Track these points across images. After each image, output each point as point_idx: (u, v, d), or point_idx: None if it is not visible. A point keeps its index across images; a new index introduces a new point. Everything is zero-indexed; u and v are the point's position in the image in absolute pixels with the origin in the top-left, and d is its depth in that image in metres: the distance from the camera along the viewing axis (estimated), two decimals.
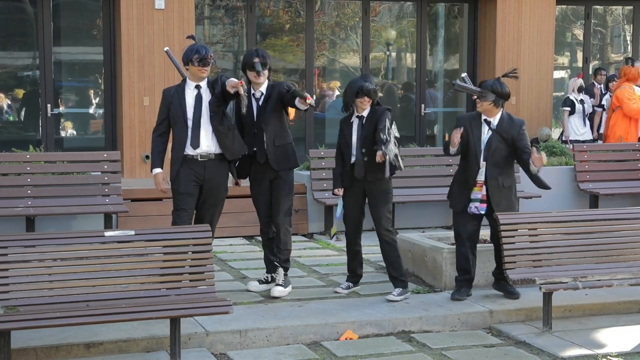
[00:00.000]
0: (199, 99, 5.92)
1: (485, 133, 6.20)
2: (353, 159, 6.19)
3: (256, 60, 6.07)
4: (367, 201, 6.30)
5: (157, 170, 6.03)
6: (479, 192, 6.17)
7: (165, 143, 6.03)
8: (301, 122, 11.20)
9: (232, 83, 5.69)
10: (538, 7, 11.86)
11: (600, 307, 6.23)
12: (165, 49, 6.65)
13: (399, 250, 6.32)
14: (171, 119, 5.97)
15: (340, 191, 6.31)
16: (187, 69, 6.00)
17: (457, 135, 6.07)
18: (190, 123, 5.90)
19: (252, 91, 6.22)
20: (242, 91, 5.68)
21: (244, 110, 5.83)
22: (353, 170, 6.19)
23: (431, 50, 12.29)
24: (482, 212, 6.15)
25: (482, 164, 6.17)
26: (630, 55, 12.91)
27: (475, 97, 6.24)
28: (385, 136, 5.92)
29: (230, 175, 6.26)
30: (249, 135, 6.21)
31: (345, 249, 6.58)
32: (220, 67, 11.32)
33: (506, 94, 6.21)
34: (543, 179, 6.27)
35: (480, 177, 6.17)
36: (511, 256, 5.88)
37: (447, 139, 6.47)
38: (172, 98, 5.96)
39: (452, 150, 6.17)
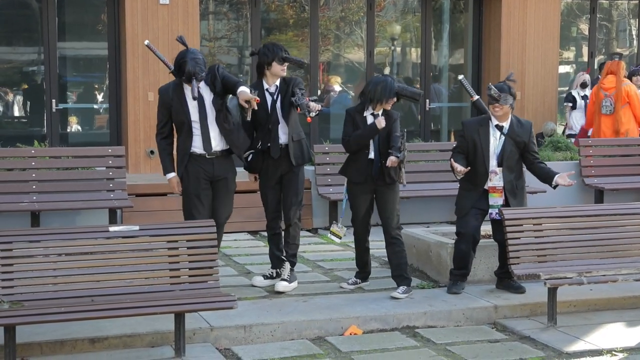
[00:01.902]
0: (200, 99, 5.75)
1: (498, 138, 6.15)
2: (370, 156, 6.11)
3: (286, 54, 6.10)
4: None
5: (171, 175, 5.95)
6: (499, 198, 6.16)
7: (171, 145, 5.95)
8: (305, 117, 11.15)
9: (246, 97, 5.50)
10: (543, 1, 11.80)
11: (605, 302, 6.21)
12: (146, 42, 6.50)
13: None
14: (175, 122, 5.85)
15: (381, 120, 5.94)
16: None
17: (463, 171, 6.03)
18: (198, 126, 5.78)
19: (266, 86, 6.17)
20: (255, 106, 5.52)
21: (248, 118, 5.65)
22: (368, 166, 6.10)
23: (436, 45, 12.23)
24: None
25: (499, 169, 6.14)
26: (634, 51, 12.88)
27: (494, 100, 6.09)
28: (401, 145, 5.93)
29: (246, 171, 6.31)
30: (263, 131, 6.17)
31: (349, 243, 6.56)
32: (225, 62, 11.31)
33: (515, 96, 6.24)
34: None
35: (500, 182, 6.15)
36: (516, 251, 5.86)
37: (453, 140, 6.46)
38: (172, 101, 5.81)
39: (459, 177, 6.14)
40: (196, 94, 5.57)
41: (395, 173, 6.08)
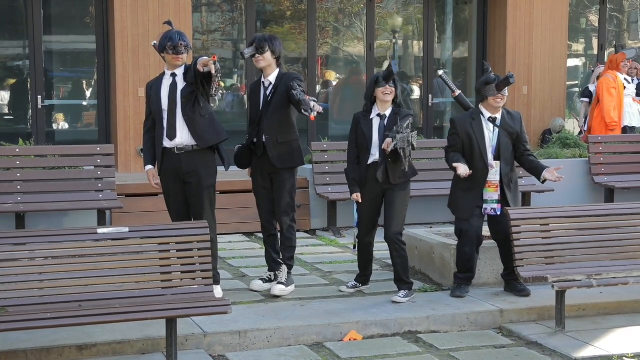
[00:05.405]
0: (173, 87, 5.76)
1: (492, 131, 6.10)
2: (372, 159, 6.00)
3: (247, 49, 6.01)
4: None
5: (148, 167, 5.99)
6: (495, 193, 6.09)
7: (154, 138, 5.92)
8: (304, 115, 11.00)
9: (203, 61, 5.47)
10: None
11: (616, 305, 6.16)
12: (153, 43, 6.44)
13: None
14: (152, 112, 5.88)
15: (359, 196, 6.05)
16: (163, 58, 5.84)
17: (468, 174, 5.92)
18: (165, 114, 5.77)
19: (263, 79, 6.12)
20: (213, 69, 5.42)
21: (213, 91, 5.57)
22: (371, 170, 5.98)
23: (439, 38, 12.20)
24: (499, 213, 6.05)
25: (496, 163, 6.07)
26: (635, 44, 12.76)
27: (500, 91, 6.02)
28: (399, 129, 5.77)
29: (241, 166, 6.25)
30: (252, 126, 6.12)
31: (349, 245, 6.46)
32: (218, 55, 11.12)
33: None
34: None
35: (496, 177, 6.08)
36: (522, 253, 5.79)
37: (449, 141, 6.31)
38: (151, 91, 5.87)
39: (464, 175, 5.98)
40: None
41: (399, 171, 5.92)
